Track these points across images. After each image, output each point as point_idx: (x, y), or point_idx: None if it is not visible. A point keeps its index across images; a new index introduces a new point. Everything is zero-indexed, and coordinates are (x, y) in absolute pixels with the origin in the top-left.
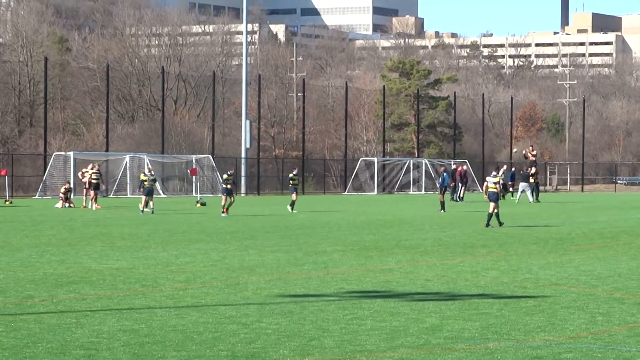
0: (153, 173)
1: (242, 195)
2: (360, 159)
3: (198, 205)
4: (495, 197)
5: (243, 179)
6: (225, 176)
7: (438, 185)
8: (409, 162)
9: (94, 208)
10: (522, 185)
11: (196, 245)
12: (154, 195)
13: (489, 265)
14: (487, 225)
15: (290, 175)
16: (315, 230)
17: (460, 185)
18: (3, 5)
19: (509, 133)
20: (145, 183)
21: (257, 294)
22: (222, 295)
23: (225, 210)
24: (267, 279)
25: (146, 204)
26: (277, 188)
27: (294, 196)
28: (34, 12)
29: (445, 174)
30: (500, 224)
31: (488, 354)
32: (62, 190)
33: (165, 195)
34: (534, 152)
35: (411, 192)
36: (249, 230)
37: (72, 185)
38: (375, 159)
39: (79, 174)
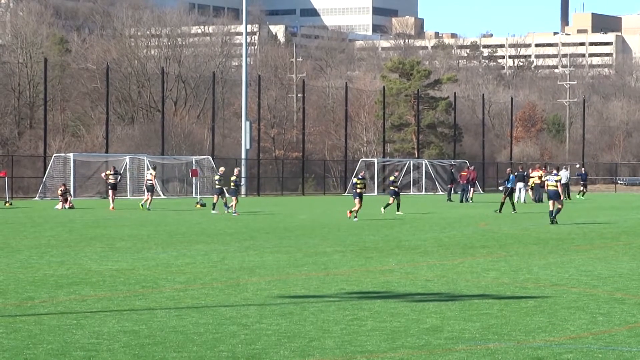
0: (221, 174)
1: (242, 196)
2: (361, 160)
3: (198, 206)
4: (555, 195)
5: (243, 180)
6: (355, 180)
7: (502, 187)
8: (409, 163)
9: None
10: (519, 185)
11: (196, 247)
12: (231, 196)
13: (489, 265)
14: (552, 222)
15: (392, 178)
16: (315, 231)
17: (469, 186)
18: (2, 6)
19: (509, 134)
20: (217, 184)
21: (257, 295)
22: (222, 296)
23: (351, 212)
24: (267, 280)
25: (216, 204)
26: (277, 189)
27: (391, 200)
28: (33, 13)
29: (511, 176)
30: (554, 222)
31: (489, 354)
32: (59, 192)
33: (165, 196)
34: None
35: (411, 193)
36: (248, 232)
37: (69, 187)
38: (375, 160)
39: (103, 175)
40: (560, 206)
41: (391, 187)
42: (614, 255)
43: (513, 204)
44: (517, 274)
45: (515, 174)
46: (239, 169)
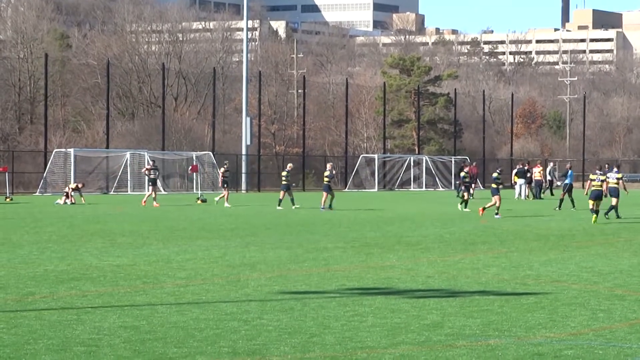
0: (289, 170)
1: (243, 192)
2: (361, 156)
3: (199, 202)
4: (616, 193)
5: (244, 176)
6: (495, 174)
7: (561, 183)
8: (410, 159)
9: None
10: (519, 181)
11: (197, 242)
12: (325, 192)
13: (490, 262)
14: (618, 216)
15: (495, 175)
16: (316, 227)
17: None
18: (3, 1)
19: (509, 130)
20: (284, 180)
21: (258, 291)
22: (223, 292)
23: (484, 209)
24: (268, 275)
25: (282, 201)
26: (277, 185)
27: (465, 195)
28: (34, 8)
29: (570, 171)
30: (618, 216)
31: (489, 350)
32: (72, 187)
33: (165, 192)
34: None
35: (412, 189)
36: (249, 227)
37: (76, 184)
38: (375, 156)
39: (144, 170)
40: (613, 203)
41: (464, 182)
42: (614, 251)
43: (572, 200)
44: (518, 270)
45: (516, 170)
46: (331, 164)
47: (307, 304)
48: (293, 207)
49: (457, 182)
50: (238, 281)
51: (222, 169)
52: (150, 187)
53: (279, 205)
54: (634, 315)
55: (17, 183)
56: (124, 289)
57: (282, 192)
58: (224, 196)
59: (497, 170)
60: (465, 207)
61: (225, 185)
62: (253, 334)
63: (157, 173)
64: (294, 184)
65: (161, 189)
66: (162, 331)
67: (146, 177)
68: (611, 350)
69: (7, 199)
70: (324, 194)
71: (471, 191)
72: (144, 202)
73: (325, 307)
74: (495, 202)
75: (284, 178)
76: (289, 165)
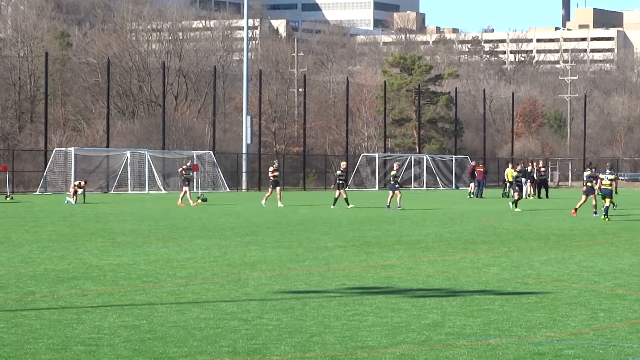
0: (343, 169)
1: (243, 190)
2: (362, 155)
3: (199, 201)
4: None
5: (244, 175)
6: (588, 173)
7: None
8: (411, 158)
9: (191, 204)
10: (522, 180)
11: (197, 241)
12: (391, 190)
13: (491, 261)
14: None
15: (515, 173)
16: (316, 226)
17: (484, 182)
18: (3, 0)
19: (510, 129)
20: (339, 180)
21: (258, 290)
22: (223, 291)
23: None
24: (268, 275)
25: (337, 199)
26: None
27: (516, 195)
28: (34, 7)
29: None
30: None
31: (489, 350)
32: (76, 183)
33: (165, 191)
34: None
35: (412, 188)
36: (250, 226)
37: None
38: (376, 155)
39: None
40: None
41: (516, 182)
42: (615, 251)
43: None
44: (518, 269)
45: (518, 169)
46: (398, 163)
47: (307, 303)
48: (348, 207)
49: (508, 183)
50: (238, 280)
51: (272, 168)
52: (185, 187)
53: (333, 204)
54: (635, 314)
55: (17, 182)
56: (124, 288)
57: (337, 192)
58: (269, 196)
59: (588, 169)
60: (516, 207)
61: (275, 185)
62: (253, 333)
63: (190, 173)
64: (340, 182)
65: (162, 187)
66: (162, 330)
67: (183, 177)
68: (612, 349)
69: (8, 198)
70: (390, 192)
71: (470, 189)
72: (194, 203)
73: (326, 307)
74: (592, 201)
75: (339, 177)
76: (343, 164)
